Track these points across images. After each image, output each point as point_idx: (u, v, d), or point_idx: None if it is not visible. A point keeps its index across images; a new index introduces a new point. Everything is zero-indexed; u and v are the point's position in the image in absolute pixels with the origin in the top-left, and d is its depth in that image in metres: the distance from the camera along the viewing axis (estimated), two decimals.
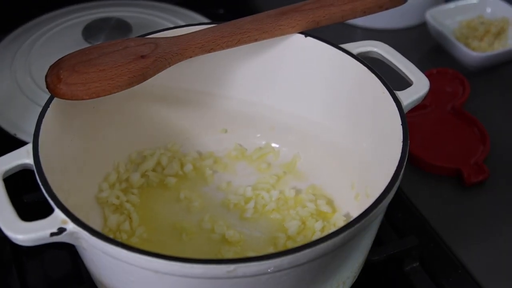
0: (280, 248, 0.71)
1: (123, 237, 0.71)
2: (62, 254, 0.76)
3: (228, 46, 0.70)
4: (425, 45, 1.07)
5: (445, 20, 1.06)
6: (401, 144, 0.62)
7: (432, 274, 0.73)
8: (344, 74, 0.73)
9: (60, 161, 0.66)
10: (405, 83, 0.69)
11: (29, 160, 0.61)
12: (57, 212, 0.56)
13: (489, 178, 0.84)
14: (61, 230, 0.55)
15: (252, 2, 1.11)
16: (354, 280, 0.67)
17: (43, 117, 0.64)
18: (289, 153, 0.81)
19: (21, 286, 0.73)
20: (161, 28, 0.74)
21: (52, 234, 0.55)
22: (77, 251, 0.68)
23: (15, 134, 0.82)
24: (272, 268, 0.54)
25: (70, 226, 0.55)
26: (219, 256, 0.70)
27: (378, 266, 0.72)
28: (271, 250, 0.71)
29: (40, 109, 0.66)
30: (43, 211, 0.57)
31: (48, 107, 0.65)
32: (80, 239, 0.56)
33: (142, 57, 0.66)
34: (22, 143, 0.63)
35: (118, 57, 0.66)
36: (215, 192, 0.78)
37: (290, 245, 0.71)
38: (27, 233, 0.55)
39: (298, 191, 0.77)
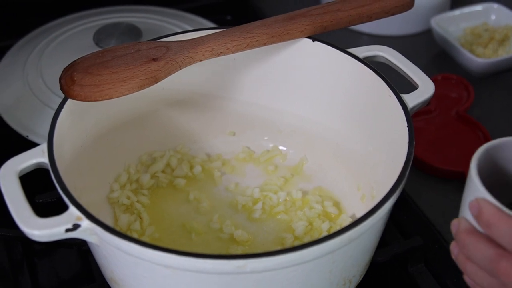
0: None
1: (134, 236, 0.72)
2: (72, 253, 0.77)
3: (237, 50, 0.72)
4: (430, 52, 1.08)
5: (450, 27, 1.07)
6: (407, 145, 0.63)
7: (437, 274, 0.74)
8: (350, 78, 0.74)
9: (73, 161, 0.68)
10: (411, 87, 0.70)
11: (44, 159, 0.62)
12: (72, 209, 0.58)
13: None
14: (75, 226, 0.57)
15: (259, 9, 1.13)
16: (360, 279, 0.68)
17: (57, 118, 0.66)
18: (296, 155, 0.82)
19: (32, 285, 0.74)
20: (171, 33, 0.76)
21: (67, 230, 0.57)
22: (87, 251, 0.69)
23: (27, 136, 0.83)
24: (280, 265, 0.56)
25: (85, 222, 0.57)
26: None
27: (383, 266, 0.73)
28: None
29: (52, 112, 0.67)
30: (54, 212, 0.58)
31: (62, 108, 0.67)
32: (94, 235, 0.58)
33: (154, 60, 0.67)
34: (34, 145, 0.64)
35: (130, 59, 0.67)
36: (224, 193, 0.79)
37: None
38: (42, 229, 0.56)
39: (305, 193, 0.78)
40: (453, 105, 0.95)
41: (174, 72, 0.69)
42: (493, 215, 0.54)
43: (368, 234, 0.62)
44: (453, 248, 0.58)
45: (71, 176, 0.64)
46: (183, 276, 0.57)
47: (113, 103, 0.68)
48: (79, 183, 0.67)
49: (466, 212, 0.57)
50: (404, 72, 0.71)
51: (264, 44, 0.72)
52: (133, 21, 0.95)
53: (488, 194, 0.56)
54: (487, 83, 1.02)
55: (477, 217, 0.55)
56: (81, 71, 0.66)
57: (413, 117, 0.68)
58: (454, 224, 0.58)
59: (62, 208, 0.59)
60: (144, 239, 0.72)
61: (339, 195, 0.78)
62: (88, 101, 0.65)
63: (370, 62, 0.73)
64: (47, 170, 0.62)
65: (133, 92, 0.66)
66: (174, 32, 0.77)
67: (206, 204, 0.77)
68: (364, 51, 0.74)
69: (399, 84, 0.70)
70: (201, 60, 0.70)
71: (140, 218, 0.74)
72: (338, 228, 0.74)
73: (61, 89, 0.66)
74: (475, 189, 0.57)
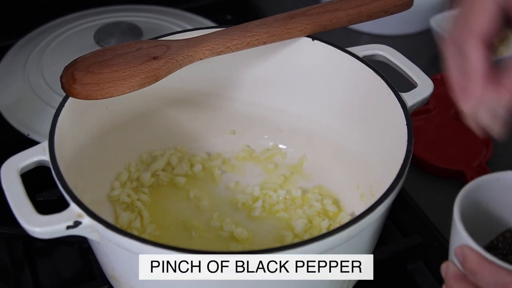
0: None
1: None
2: (73, 251, 0.77)
3: (237, 49, 0.72)
4: (429, 51, 1.08)
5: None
6: (406, 143, 0.64)
7: (436, 272, 0.75)
8: (350, 77, 0.74)
9: (74, 159, 0.68)
10: (410, 86, 0.71)
11: (45, 157, 0.62)
12: (73, 206, 0.58)
13: None
14: (76, 224, 0.57)
15: (259, 8, 1.13)
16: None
17: (58, 116, 0.66)
18: (296, 154, 0.82)
19: (33, 284, 0.74)
20: (171, 32, 0.76)
21: (68, 227, 0.57)
22: (88, 248, 0.70)
23: (28, 135, 0.83)
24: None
25: (86, 219, 0.57)
26: None
27: (382, 265, 0.73)
28: None
29: (52, 111, 0.68)
30: (55, 210, 0.59)
31: (63, 106, 0.67)
32: (95, 232, 0.58)
33: (154, 58, 0.68)
34: (35, 144, 0.65)
35: (131, 58, 0.68)
36: (224, 192, 0.79)
37: None
38: (44, 226, 0.57)
39: (304, 191, 0.79)
40: (452, 104, 0.95)
41: (174, 71, 0.69)
42: (477, 264, 0.55)
43: (367, 232, 0.62)
44: None
45: (72, 175, 0.64)
46: None
47: (114, 101, 0.68)
48: (80, 182, 0.67)
49: (454, 256, 0.58)
50: (403, 71, 0.72)
51: (264, 43, 0.73)
52: (133, 20, 0.95)
53: (472, 240, 0.56)
54: None
55: (462, 264, 0.56)
56: (82, 69, 0.66)
57: (413, 116, 0.69)
58: (443, 268, 0.59)
59: (63, 207, 0.59)
60: (145, 236, 0.72)
61: (338, 193, 0.78)
62: (89, 99, 0.65)
63: (369, 61, 0.73)
64: (48, 169, 0.62)
65: (133, 91, 0.66)
66: (175, 31, 0.77)
67: (206, 202, 0.77)
68: (363, 50, 0.74)
69: (398, 83, 0.71)
70: (201, 59, 0.71)
71: (141, 216, 0.74)
72: (337, 226, 0.74)
73: (62, 87, 0.67)
74: (459, 235, 0.57)
